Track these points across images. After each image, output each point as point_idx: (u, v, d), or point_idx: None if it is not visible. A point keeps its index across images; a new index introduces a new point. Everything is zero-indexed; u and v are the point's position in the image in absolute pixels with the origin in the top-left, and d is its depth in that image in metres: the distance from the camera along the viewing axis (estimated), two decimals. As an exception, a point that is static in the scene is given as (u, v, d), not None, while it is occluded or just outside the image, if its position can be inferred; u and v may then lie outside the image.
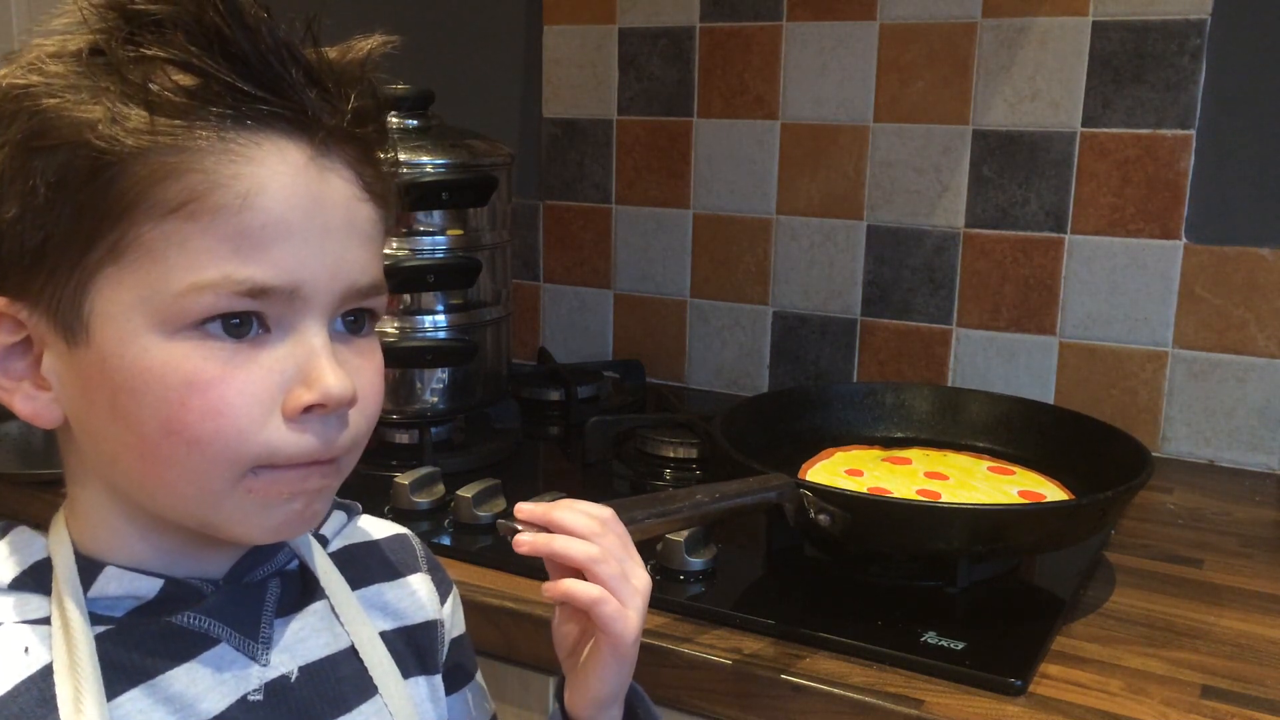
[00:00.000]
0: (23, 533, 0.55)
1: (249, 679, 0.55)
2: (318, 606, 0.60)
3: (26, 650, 0.51)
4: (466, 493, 1.03)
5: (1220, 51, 1.23)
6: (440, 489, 1.08)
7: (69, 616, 0.51)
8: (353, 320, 0.55)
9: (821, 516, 0.85)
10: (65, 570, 0.53)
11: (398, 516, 1.05)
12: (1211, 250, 1.26)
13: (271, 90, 0.49)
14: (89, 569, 0.53)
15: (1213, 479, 1.25)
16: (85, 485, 0.55)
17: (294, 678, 0.57)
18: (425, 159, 1.18)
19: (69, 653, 0.51)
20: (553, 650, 0.67)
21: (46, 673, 0.51)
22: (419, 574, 0.67)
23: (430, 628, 0.65)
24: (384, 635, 0.62)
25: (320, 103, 0.51)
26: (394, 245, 1.18)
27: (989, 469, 1.06)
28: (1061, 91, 1.30)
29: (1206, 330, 1.27)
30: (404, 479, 1.06)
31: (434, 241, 1.20)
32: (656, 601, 0.89)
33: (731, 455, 0.95)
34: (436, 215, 1.20)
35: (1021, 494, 0.99)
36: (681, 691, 0.83)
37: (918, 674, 0.80)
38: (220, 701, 0.54)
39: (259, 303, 0.49)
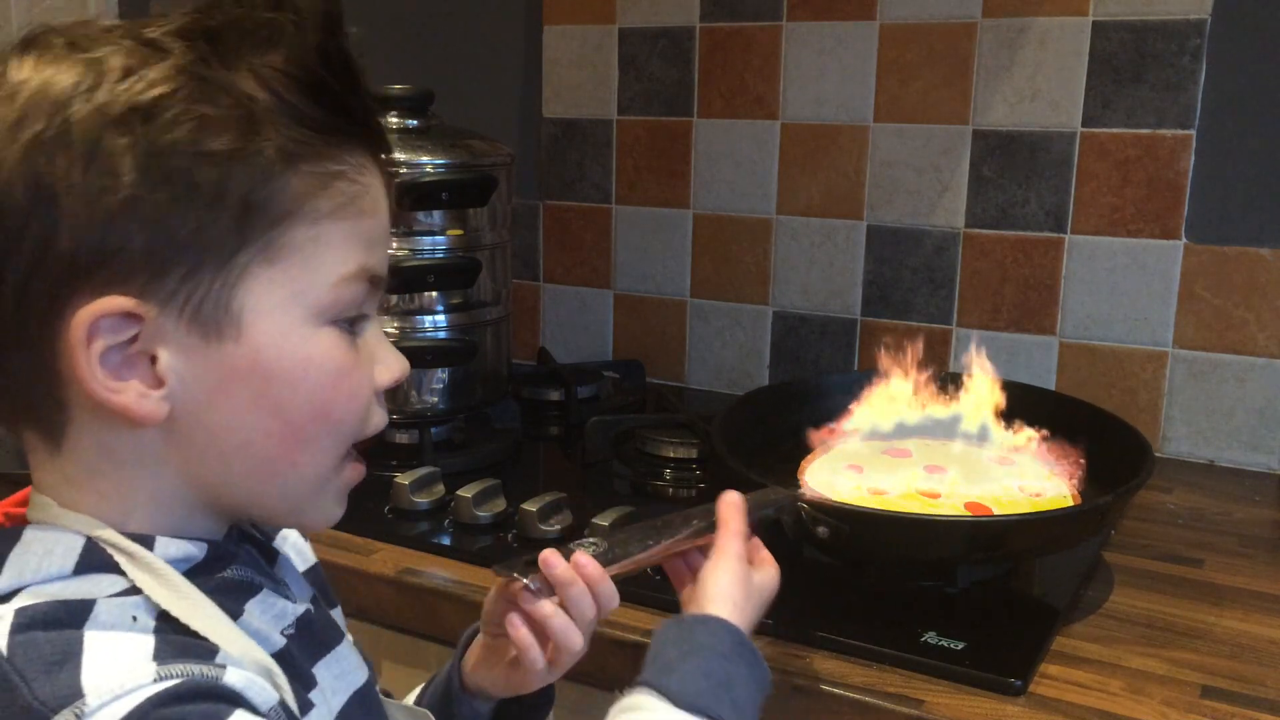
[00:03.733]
0: (36, 530, 0.54)
1: (286, 615, 0.59)
2: (283, 559, 0.64)
3: (134, 619, 0.51)
4: (466, 493, 1.03)
5: (1220, 51, 1.23)
6: (440, 489, 1.08)
7: (162, 571, 0.53)
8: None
9: (820, 529, 0.85)
10: (129, 543, 0.53)
11: (398, 516, 1.06)
12: (1211, 250, 1.26)
13: (366, 113, 0.57)
14: (141, 543, 0.54)
15: (1213, 479, 1.25)
16: (144, 477, 0.55)
17: (312, 611, 0.62)
18: (425, 159, 1.18)
19: (184, 599, 0.52)
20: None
21: (162, 628, 0.51)
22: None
23: (319, 565, 0.71)
24: (306, 574, 0.67)
25: (380, 124, 0.59)
26: (394, 245, 1.18)
27: (990, 459, 1.05)
28: (1061, 91, 1.30)
29: (1206, 330, 1.27)
30: (404, 479, 1.06)
31: (434, 241, 1.20)
32: (656, 601, 0.89)
33: (730, 464, 0.95)
34: (436, 215, 1.20)
35: (1022, 488, 0.99)
36: (681, 691, 0.83)
37: (918, 674, 0.80)
38: (277, 637, 0.58)
39: (368, 293, 0.58)
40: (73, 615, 0.50)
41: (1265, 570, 1.00)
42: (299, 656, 0.58)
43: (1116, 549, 1.03)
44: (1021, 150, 1.33)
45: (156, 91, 0.51)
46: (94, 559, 0.53)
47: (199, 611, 0.52)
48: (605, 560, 0.70)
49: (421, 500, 1.06)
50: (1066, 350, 1.34)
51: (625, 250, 1.60)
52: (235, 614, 0.55)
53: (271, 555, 0.63)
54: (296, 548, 0.68)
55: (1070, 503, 0.97)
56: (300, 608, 0.61)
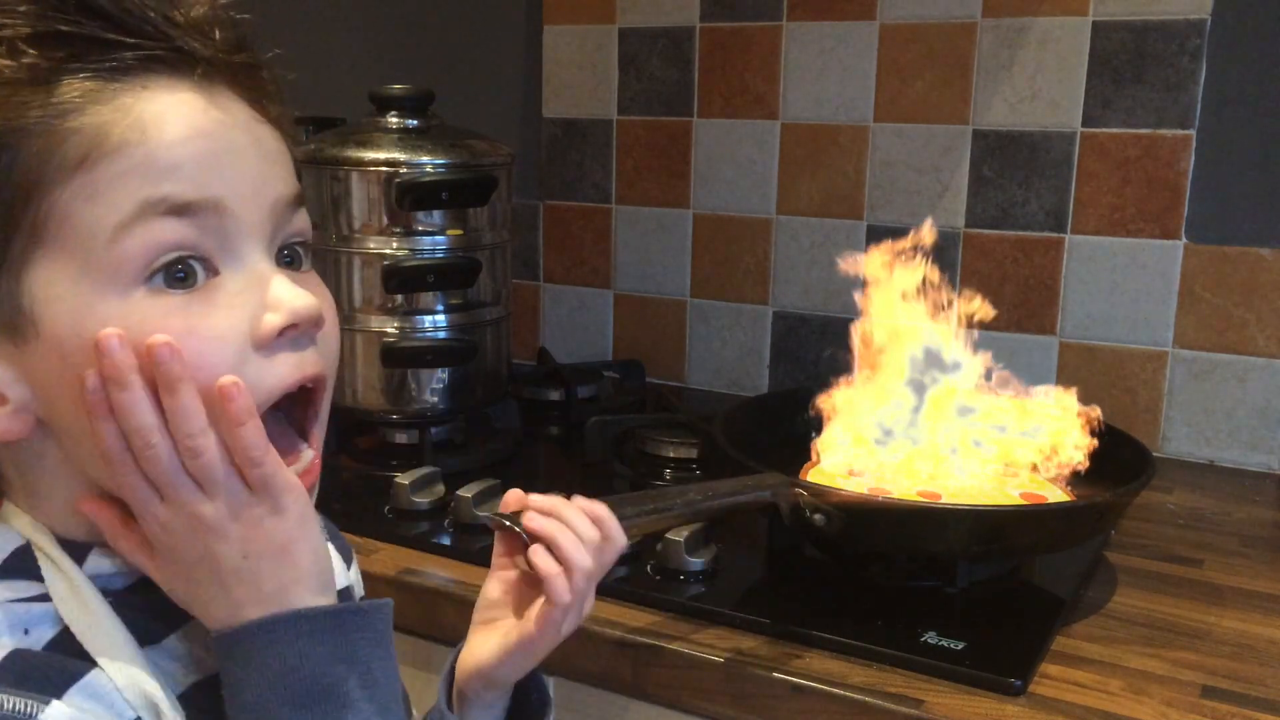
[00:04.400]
0: None
1: None
2: None
3: (27, 632, 0.50)
4: (466, 493, 1.03)
5: (1220, 51, 1.23)
6: (440, 489, 1.08)
7: (78, 584, 0.51)
8: (288, 254, 0.55)
9: (817, 516, 0.85)
10: (56, 550, 0.52)
11: (398, 516, 1.06)
12: (1211, 250, 1.26)
13: (139, 35, 0.49)
14: (76, 550, 0.53)
15: (1213, 479, 1.24)
16: (58, 482, 0.53)
17: None
18: (425, 159, 1.18)
19: (88, 614, 0.51)
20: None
21: (57, 643, 0.50)
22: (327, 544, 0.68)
23: (345, 594, 0.66)
24: None
25: (190, 39, 0.51)
26: (394, 245, 1.18)
27: (993, 470, 1.05)
28: (1061, 91, 1.30)
29: (1206, 330, 1.27)
30: (404, 479, 1.06)
31: (434, 241, 1.20)
32: (657, 600, 0.89)
33: (729, 453, 0.95)
34: (436, 215, 1.20)
35: (1023, 495, 0.99)
36: (681, 691, 0.83)
37: (918, 674, 0.80)
38: (215, 664, 0.54)
39: (191, 229, 0.49)
40: None
41: (1265, 570, 1.00)
42: None
43: (1117, 549, 1.03)
44: (1021, 150, 1.33)
45: None
46: (18, 564, 0.52)
47: (98, 630, 0.50)
48: (641, 524, 0.72)
49: (421, 500, 1.06)
50: (1066, 350, 1.34)
51: (625, 250, 1.60)
52: (157, 637, 0.53)
53: None
54: None
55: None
56: None
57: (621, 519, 0.71)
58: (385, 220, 1.18)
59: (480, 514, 1.02)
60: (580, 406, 1.39)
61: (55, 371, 0.49)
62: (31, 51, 0.48)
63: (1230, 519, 1.12)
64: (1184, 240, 1.27)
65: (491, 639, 0.68)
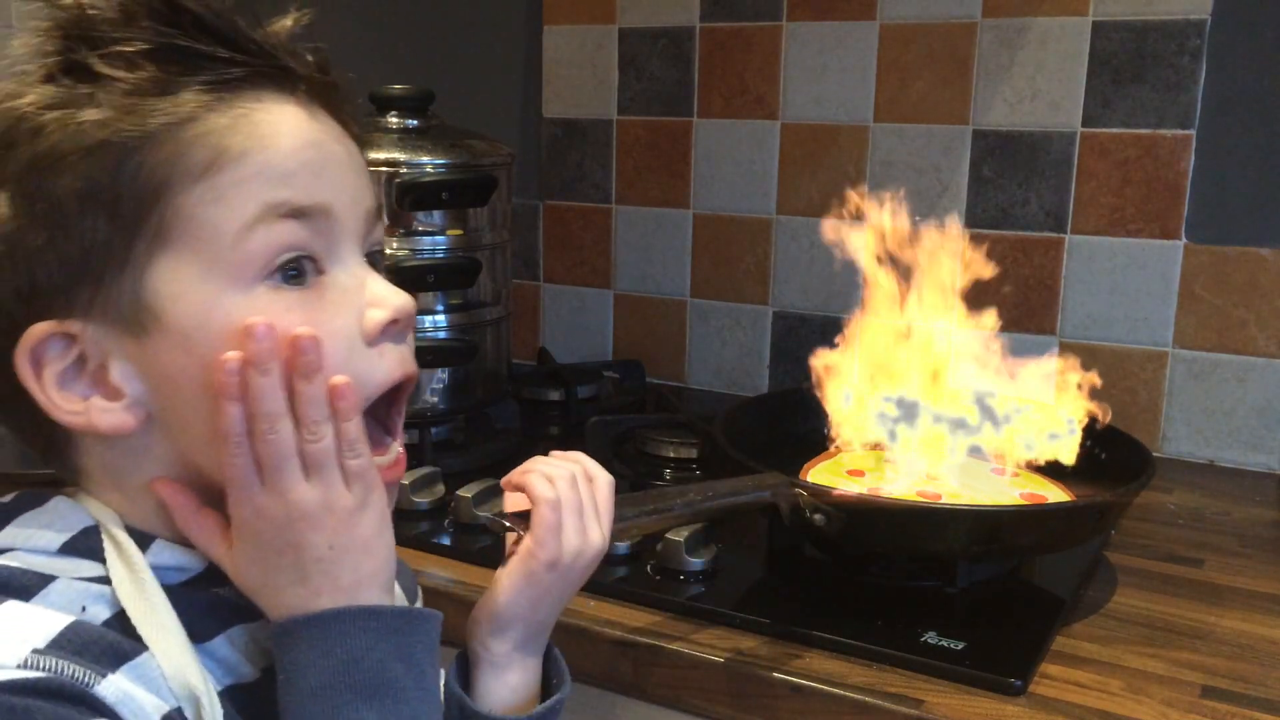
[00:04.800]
0: (63, 502, 0.56)
1: None
2: None
3: (84, 609, 0.51)
4: (466, 493, 1.03)
5: (1220, 51, 1.23)
6: (440, 489, 1.08)
7: (139, 570, 0.53)
8: (368, 261, 0.58)
9: (817, 516, 0.85)
10: (122, 535, 0.54)
11: (398, 517, 1.05)
12: (1211, 250, 1.26)
13: (248, 52, 0.53)
14: (138, 540, 0.55)
15: (1213, 479, 1.25)
16: (143, 474, 0.55)
17: None
18: (425, 159, 1.18)
19: (145, 601, 0.52)
20: None
21: (112, 623, 0.51)
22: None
23: None
24: None
25: (289, 59, 0.55)
26: (394, 245, 1.18)
27: (993, 470, 1.06)
28: (1061, 91, 1.30)
29: (1206, 330, 1.27)
30: (404, 479, 1.06)
31: (434, 241, 1.20)
32: (657, 600, 0.89)
33: (729, 453, 0.95)
34: (436, 215, 1.20)
35: (1023, 496, 0.99)
36: (681, 691, 0.83)
37: (918, 674, 0.80)
38: (254, 668, 0.56)
39: (306, 231, 0.53)
40: (19, 585, 0.51)
41: (1265, 570, 1.00)
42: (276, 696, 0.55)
43: (1116, 549, 1.03)
44: (1021, 150, 1.33)
45: (11, 115, 0.51)
46: (83, 543, 0.54)
47: (153, 619, 0.52)
48: (639, 524, 0.72)
49: (421, 500, 1.06)
50: (1067, 350, 1.34)
51: (625, 250, 1.60)
52: (208, 634, 0.55)
53: None
54: None
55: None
56: None
57: (621, 519, 0.71)
58: (385, 220, 1.18)
59: (480, 513, 1.03)
60: (580, 406, 1.39)
61: (175, 363, 0.52)
62: (150, 66, 0.51)
63: (1230, 519, 1.12)
64: (1184, 240, 1.27)
65: (498, 581, 0.68)
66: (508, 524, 0.68)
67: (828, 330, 1.47)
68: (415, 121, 1.22)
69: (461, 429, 1.28)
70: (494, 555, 0.97)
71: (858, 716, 0.78)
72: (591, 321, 1.64)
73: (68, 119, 0.50)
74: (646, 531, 0.77)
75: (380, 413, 0.59)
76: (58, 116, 0.50)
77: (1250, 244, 1.24)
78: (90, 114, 0.50)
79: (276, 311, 0.52)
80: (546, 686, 0.69)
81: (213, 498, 0.55)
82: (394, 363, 0.57)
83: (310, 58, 0.56)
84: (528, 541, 0.66)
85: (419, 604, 0.74)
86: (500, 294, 1.28)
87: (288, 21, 0.57)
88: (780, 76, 1.46)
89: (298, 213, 0.53)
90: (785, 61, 1.45)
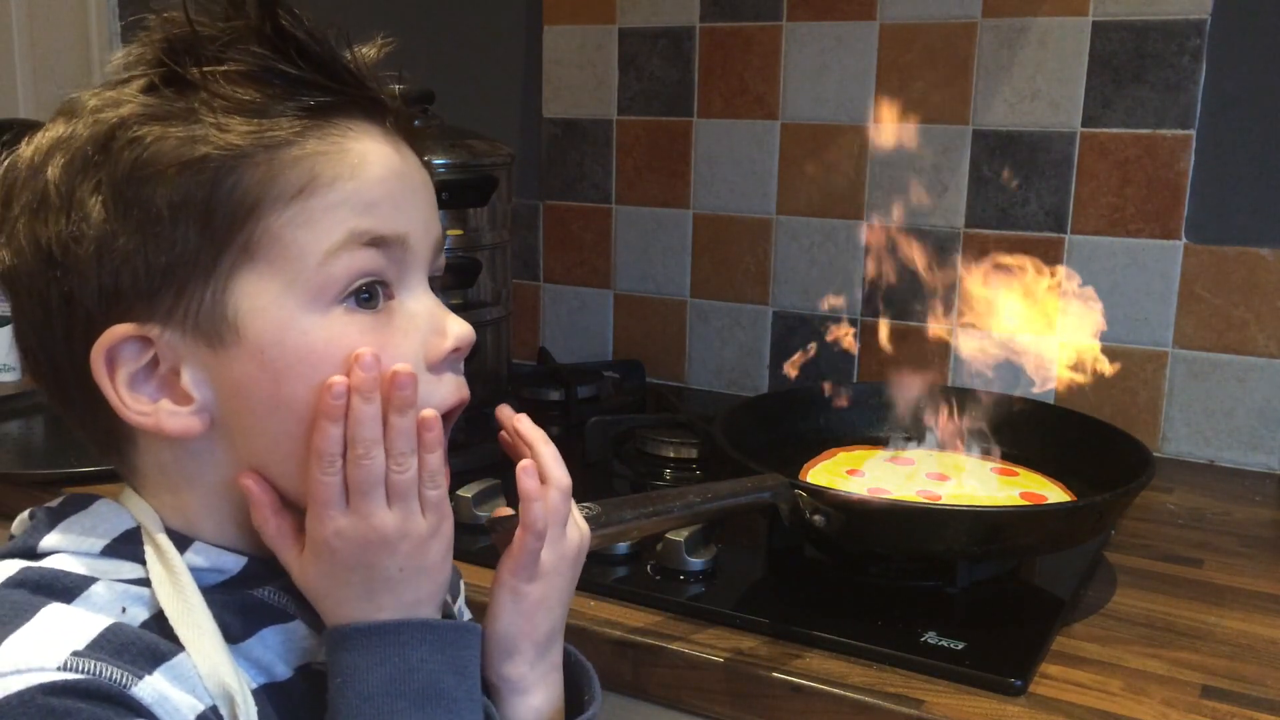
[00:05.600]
0: (106, 505, 0.58)
1: (315, 653, 0.58)
2: None
3: (124, 610, 0.53)
4: (466, 493, 1.03)
5: (1220, 51, 1.23)
6: (440, 489, 1.08)
7: (178, 572, 0.54)
8: (432, 287, 0.60)
9: (816, 517, 0.85)
10: (163, 537, 0.56)
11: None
12: (1211, 250, 1.26)
13: (343, 82, 0.56)
14: (178, 542, 0.56)
15: (1213, 479, 1.25)
16: (201, 478, 0.57)
17: None
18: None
19: (182, 601, 0.53)
20: None
21: (150, 624, 0.53)
22: None
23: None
24: None
25: (380, 90, 0.58)
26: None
27: (993, 469, 1.06)
28: (1061, 91, 1.30)
29: (1206, 330, 1.27)
30: (404, 479, 1.06)
31: (434, 241, 1.20)
32: (657, 600, 0.89)
33: (729, 453, 0.95)
34: (436, 215, 1.20)
35: (1023, 495, 0.99)
36: (681, 691, 0.83)
37: (918, 674, 0.80)
38: (288, 668, 0.57)
39: (383, 258, 0.55)
40: (62, 588, 0.53)
41: (1265, 570, 1.00)
42: (310, 695, 0.57)
43: (1116, 549, 1.03)
44: (1021, 150, 1.33)
45: (112, 122, 0.53)
46: (125, 546, 0.56)
47: (189, 619, 0.53)
48: (597, 524, 0.71)
49: (421, 500, 1.06)
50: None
51: (625, 250, 1.60)
52: (242, 634, 0.56)
53: None
54: None
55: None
56: None
57: (620, 521, 0.71)
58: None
59: (479, 513, 1.03)
60: (580, 406, 1.39)
61: (247, 374, 0.54)
62: (252, 87, 0.53)
63: (1230, 519, 1.12)
64: (1184, 240, 1.27)
65: (489, 607, 0.66)
66: (504, 528, 0.67)
67: (828, 330, 1.47)
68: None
69: (461, 429, 1.27)
70: (494, 555, 0.97)
71: (858, 716, 0.78)
72: (591, 321, 1.64)
73: (167, 131, 0.52)
74: (647, 533, 0.76)
75: None
76: (158, 128, 0.52)
77: (1250, 244, 1.24)
78: (192, 129, 0.52)
79: (349, 333, 0.54)
80: (577, 698, 0.67)
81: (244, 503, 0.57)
82: (451, 389, 0.59)
83: (396, 88, 0.59)
84: (504, 559, 0.65)
85: (462, 598, 0.75)
86: (500, 294, 1.28)
87: (373, 50, 0.59)
88: (780, 76, 1.46)
89: (378, 241, 0.55)
90: (785, 61, 1.45)
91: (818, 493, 0.86)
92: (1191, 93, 1.25)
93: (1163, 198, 1.27)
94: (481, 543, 1.00)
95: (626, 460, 1.24)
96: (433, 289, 0.60)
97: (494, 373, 1.29)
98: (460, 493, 1.04)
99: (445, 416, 0.59)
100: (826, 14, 1.41)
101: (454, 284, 1.22)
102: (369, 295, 0.55)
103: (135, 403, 0.54)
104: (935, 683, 0.79)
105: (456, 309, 1.21)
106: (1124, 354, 1.32)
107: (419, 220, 0.58)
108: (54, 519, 0.57)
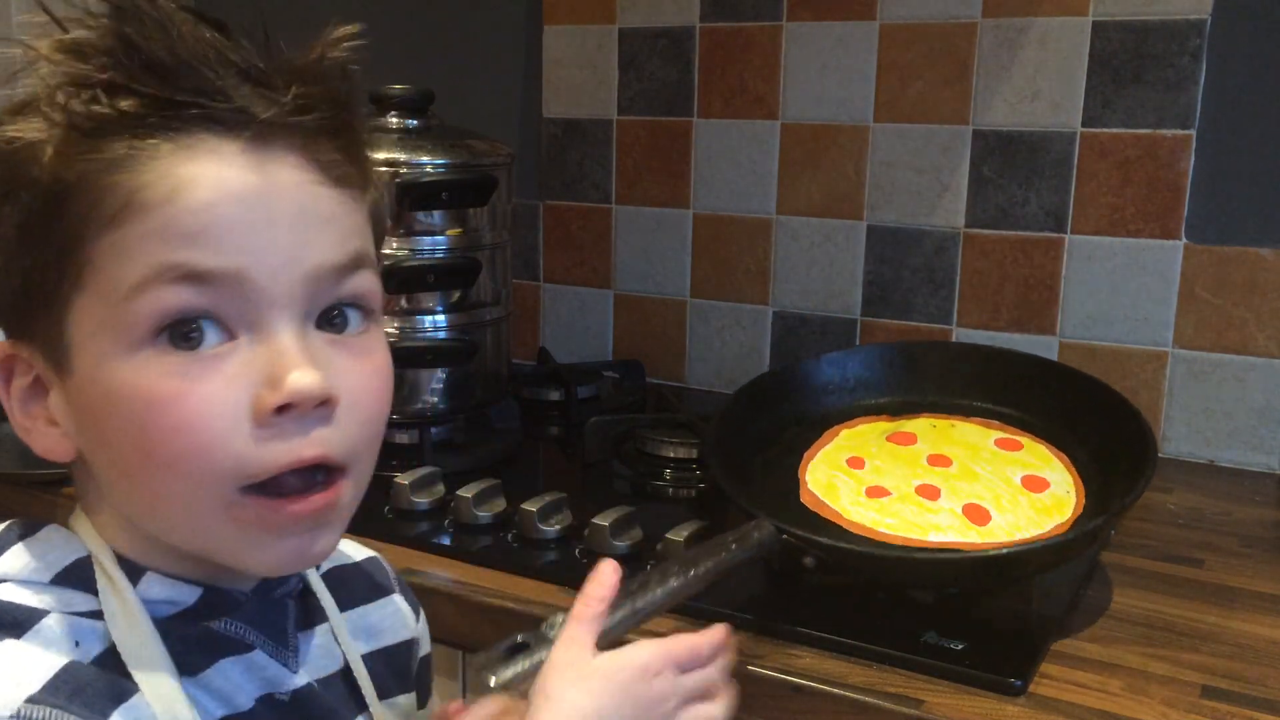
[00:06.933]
0: (56, 531, 0.55)
1: (276, 683, 0.57)
2: (322, 627, 0.62)
3: (77, 644, 0.51)
4: (466, 493, 1.03)
5: (1220, 51, 1.23)
6: (440, 489, 1.08)
7: (130, 604, 0.52)
8: (337, 316, 0.53)
9: (807, 560, 0.85)
10: (114, 568, 0.53)
11: (398, 516, 1.06)
12: (1211, 250, 1.26)
13: (195, 93, 0.49)
14: (131, 572, 0.54)
15: (1213, 479, 1.24)
16: (103, 504, 0.55)
17: (314, 687, 0.59)
18: (425, 159, 1.18)
19: (136, 637, 0.52)
20: None
21: (104, 659, 0.51)
22: (396, 594, 0.69)
23: (408, 645, 0.68)
24: (364, 658, 0.63)
25: (254, 98, 0.50)
26: (394, 245, 1.18)
27: (997, 443, 1.03)
28: (1061, 91, 1.30)
29: (1206, 330, 1.27)
30: (404, 479, 1.06)
31: (434, 241, 1.20)
32: (656, 601, 0.89)
33: (724, 486, 0.95)
34: (436, 215, 1.20)
35: (1024, 481, 0.98)
36: (681, 691, 0.83)
37: (918, 674, 0.80)
38: (249, 699, 0.55)
39: (206, 296, 0.48)
40: (11, 621, 0.50)
41: (1265, 570, 1.00)
42: None
43: (1116, 549, 1.03)
44: (1021, 150, 1.33)
45: None
46: (76, 575, 0.53)
47: (143, 653, 0.51)
48: (624, 628, 0.69)
49: (421, 500, 1.06)
50: (1066, 350, 1.34)
51: (625, 250, 1.60)
52: (198, 668, 0.54)
53: (314, 617, 0.61)
54: (370, 626, 0.65)
55: (1073, 497, 0.96)
56: (299, 680, 0.58)
57: (604, 634, 0.67)
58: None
59: (479, 513, 1.02)
60: (580, 406, 1.39)
61: (82, 408, 0.51)
62: (95, 104, 0.49)
63: (1230, 519, 1.12)
64: (1184, 240, 1.27)
65: None
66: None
67: (828, 330, 1.47)
68: (415, 121, 1.22)
69: (461, 429, 1.28)
70: (494, 555, 0.97)
71: (858, 716, 0.78)
72: (591, 321, 1.64)
73: (17, 151, 0.50)
74: (644, 627, 0.74)
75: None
76: (12, 149, 0.50)
77: (1250, 244, 1.24)
78: (36, 151, 0.49)
79: (153, 376, 0.48)
80: None
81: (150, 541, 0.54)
82: (281, 451, 0.49)
83: (295, 90, 0.51)
84: None
85: (422, 621, 0.71)
86: (500, 294, 1.28)
87: (320, 42, 0.53)
88: (780, 76, 1.46)
89: (197, 277, 0.48)
90: (785, 61, 1.45)
91: (805, 539, 0.85)
92: (1191, 93, 1.25)
93: (1163, 198, 1.27)
94: (482, 542, 1.00)
95: (626, 460, 1.24)
96: (340, 323, 0.53)
97: (494, 373, 1.29)
98: (460, 493, 1.04)
99: (327, 477, 0.52)
100: (826, 14, 1.41)
101: (454, 284, 1.22)
102: (195, 334, 0.49)
103: (23, 416, 0.54)
104: (935, 683, 0.79)
105: (457, 309, 1.23)
106: (1124, 354, 1.32)
107: (271, 251, 0.49)
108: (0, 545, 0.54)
